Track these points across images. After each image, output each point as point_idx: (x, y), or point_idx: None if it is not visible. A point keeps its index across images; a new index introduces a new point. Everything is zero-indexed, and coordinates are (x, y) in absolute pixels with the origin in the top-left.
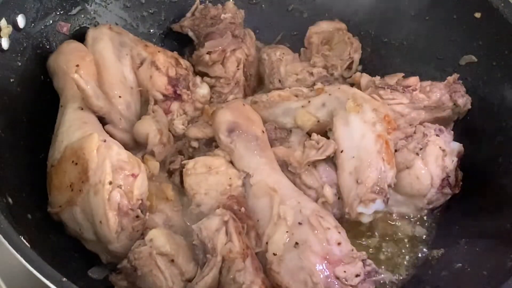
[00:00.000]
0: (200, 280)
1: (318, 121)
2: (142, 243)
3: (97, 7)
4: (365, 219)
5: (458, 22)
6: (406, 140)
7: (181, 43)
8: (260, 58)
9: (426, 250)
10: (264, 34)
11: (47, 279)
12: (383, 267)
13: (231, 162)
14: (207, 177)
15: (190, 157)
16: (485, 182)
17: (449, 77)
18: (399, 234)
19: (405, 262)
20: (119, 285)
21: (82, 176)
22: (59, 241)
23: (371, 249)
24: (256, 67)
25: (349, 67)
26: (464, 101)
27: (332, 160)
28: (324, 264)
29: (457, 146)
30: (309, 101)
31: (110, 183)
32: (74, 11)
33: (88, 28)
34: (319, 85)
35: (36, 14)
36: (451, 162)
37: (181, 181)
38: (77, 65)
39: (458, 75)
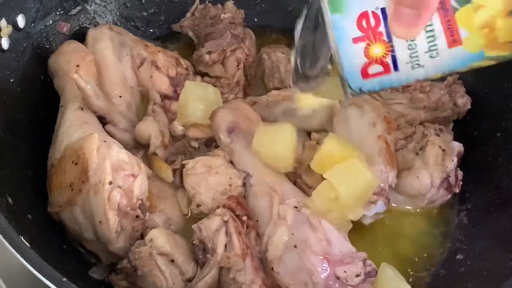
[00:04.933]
0: (200, 280)
1: None
2: (142, 243)
3: (97, 7)
4: (366, 221)
5: None
6: (406, 140)
7: (181, 43)
8: (260, 58)
9: (425, 250)
10: (264, 34)
11: (47, 279)
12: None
13: (231, 162)
14: (207, 177)
15: (190, 157)
16: (485, 182)
17: (449, 77)
18: (398, 234)
19: (404, 263)
20: (119, 285)
21: (82, 176)
22: (59, 241)
23: (369, 249)
24: (256, 67)
25: None
26: (464, 101)
27: None
28: (324, 264)
29: (457, 146)
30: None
31: (110, 183)
32: (74, 11)
33: (88, 28)
34: None
35: (36, 14)
36: (451, 162)
37: (181, 181)
38: (77, 65)
39: (458, 75)
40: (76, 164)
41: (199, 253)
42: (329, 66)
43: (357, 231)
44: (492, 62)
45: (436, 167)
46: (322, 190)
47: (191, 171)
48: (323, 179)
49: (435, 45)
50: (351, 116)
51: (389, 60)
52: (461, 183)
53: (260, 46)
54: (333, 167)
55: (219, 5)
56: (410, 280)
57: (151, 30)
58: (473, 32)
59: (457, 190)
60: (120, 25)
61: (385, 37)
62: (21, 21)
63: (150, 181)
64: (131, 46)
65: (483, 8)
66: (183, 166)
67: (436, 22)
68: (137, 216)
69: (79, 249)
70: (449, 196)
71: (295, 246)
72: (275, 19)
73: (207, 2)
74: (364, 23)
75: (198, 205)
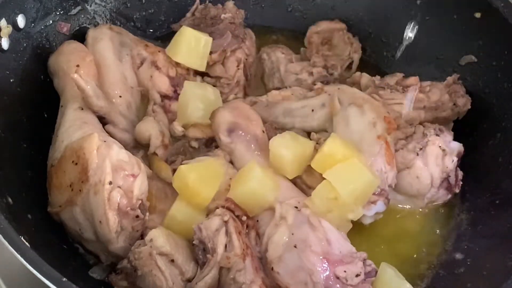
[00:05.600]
0: (200, 280)
1: None
2: (142, 243)
3: (97, 7)
4: (367, 221)
5: (458, 22)
6: (406, 140)
7: None
8: (260, 58)
9: (425, 250)
10: (264, 34)
11: (47, 279)
12: None
13: (231, 162)
14: None
15: (190, 157)
16: (485, 182)
17: (449, 77)
18: (398, 234)
19: (404, 262)
20: (119, 285)
21: (82, 176)
22: (59, 241)
23: (369, 249)
24: (256, 67)
25: (349, 67)
26: (463, 101)
27: None
28: (324, 264)
29: (457, 146)
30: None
31: (110, 183)
32: (74, 11)
33: (88, 28)
34: (319, 85)
35: (36, 14)
36: (451, 162)
37: None
38: (78, 65)
39: (458, 75)
40: (76, 164)
41: (199, 253)
42: None
43: (357, 231)
44: None
45: (436, 167)
46: (321, 190)
47: None
48: (323, 179)
49: None
50: (351, 116)
51: None
52: (461, 183)
53: (260, 46)
54: (332, 167)
55: (219, 5)
56: (410, 280)
57: (151, 30)
58: None
59: (457, 190)
60: (120, 25)
61: None
62: (21, 21)
63: (150, 181)
64: (131, 46)
65: None
66: None
67: None
68: (137, 216)
69: (79, 249)
70: (449, 196)
71: (295, 246)
72: (275, 19)
73: (207, 2)
74: None
75: None
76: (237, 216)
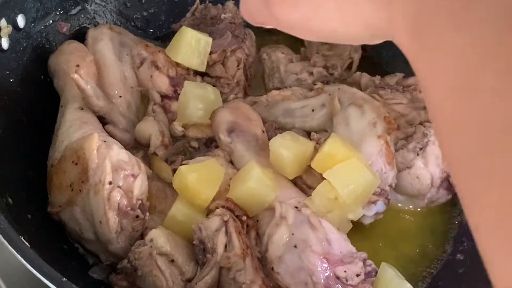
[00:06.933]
0: (200, 280)
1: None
2: (142, 243)
3: (97, 7)
4: (366, 221)
5: None
6: (406, 140)
7: None
8: (260, 58)
9: (426, 250)
10: (264, 34)
11: (47, 279)
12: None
13: (231, 162)
14: None
15: (190, 157)
16: None
17: None
18: (398, 234)
19: (404, 262)
20: (119, 285)
21: (82, 176)
22: (59, 241)
23: (369, 250)
24: (256, 67)
25: (349, 67)
26: None
27: None
28: (324, 264)
29: None
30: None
31: (110, 183)
32: (74, 11)
33: (88, 28)
34: (319, 85)
35: (36, 14)
36: None
37: None
38: (78, 65)
39: None
40: (76, 164)
41: (199, 253)
42: None
43: (357, 231)
44: None
45: (436, 167)
46: (321, 190)
47: None
48: (323, 179)
49: None
50: (351, 116)
51: None
52: None
53: (260, 46)
54: (332, 167)
55: (219, 5)
56: (410, 280)
57: (151, 30)
58: None
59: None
60: (120, 25)
61: None
62: (21, 21)
63: (150, 181)
64: (131, 46)
65: None
66: None
67: None
68: (137, 216)
69: (79, 249)
70: (450, 196)
71: (295, 246)
72: None
73: (207, 2)
74: None
75: None
76: (237, 216)
